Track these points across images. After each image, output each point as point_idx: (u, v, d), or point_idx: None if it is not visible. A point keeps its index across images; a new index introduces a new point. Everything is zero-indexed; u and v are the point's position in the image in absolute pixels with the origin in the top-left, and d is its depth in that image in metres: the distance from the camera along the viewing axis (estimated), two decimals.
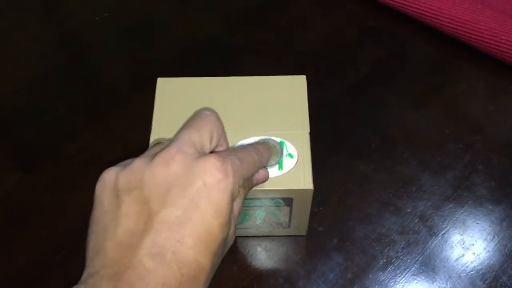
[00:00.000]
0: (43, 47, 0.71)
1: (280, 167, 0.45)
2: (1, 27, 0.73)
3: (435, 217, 0.54)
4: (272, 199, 0.46)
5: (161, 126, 0.47)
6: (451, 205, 0.55)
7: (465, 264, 0.51)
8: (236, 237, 0.52)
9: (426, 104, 0.63)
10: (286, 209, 0.48)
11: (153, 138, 0.47)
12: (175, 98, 0.49)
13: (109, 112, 0.64)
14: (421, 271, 0.51)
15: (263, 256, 0.52)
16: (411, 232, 0.54)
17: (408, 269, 0.51)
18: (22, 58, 0.70)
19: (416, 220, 0.54)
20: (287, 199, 0.46)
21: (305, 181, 0.44)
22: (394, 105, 0.63)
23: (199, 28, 0.72)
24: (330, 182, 0.57)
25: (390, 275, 0.51)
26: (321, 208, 0.55)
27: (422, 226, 0.54)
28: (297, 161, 0.45)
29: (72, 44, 0.72)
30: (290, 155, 0.45)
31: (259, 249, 0.53)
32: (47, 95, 0.66)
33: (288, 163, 0.45)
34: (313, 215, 0.51)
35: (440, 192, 0.56)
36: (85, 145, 0.61)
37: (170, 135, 0.45)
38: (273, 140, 0.46)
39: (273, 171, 0.44)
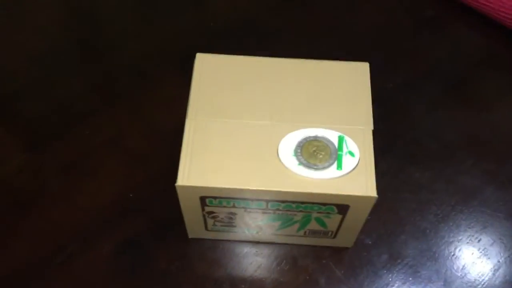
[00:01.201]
0: (59, 17, 0.64)
1: (339, 167, 0.37)
2: None
3: (500, 237, 0.47)
4: (324, 204, 0.38)
5: (198, 107, 0.40)
6: None
7: None
8: (271, 244, 0.45)
9: (491, 107, 0.55)
10: (337, 218, 0.40)
11: (189, 120, 0.39)
12: (216, 76, 0.41)
13: (129, 92, 0.56)
14: None
15: (300, 268, 0.45)
16: (472, 252, 0.46)
17: None
18: (36, 27, 0.62)
19: (479, 239, 0.47)
20: (342, 206, 0.39)
21: (368, 187, 0.37)
22: (454, 106, 0.56)
23: (235, 6, 0.64)
24: (380, 188, 0.49)
25: None
26: (369, 217, 0.47)
27: (485, 246, 0.47)
28: (358, 160, 0.38)
29: (91, 15, 0.64)
30: (351, 153, 0.38)
31: (296, 258, 0.45)
32: (60, 69, 0.58)
33: (349, 163, 0.38)
34: None
35: (506, 209, 0.49)
36: (99, 127, 0.54)
37: (207, 116, 0.39)
38: (326, 139, 0.39)
39: (330, 171, 0.37)
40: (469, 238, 0.47)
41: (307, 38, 0.61)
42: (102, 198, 0.49)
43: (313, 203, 0.38)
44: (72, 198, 0.49)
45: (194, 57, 0.43)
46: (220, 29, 0.62)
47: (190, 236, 0.46)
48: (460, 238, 0.47)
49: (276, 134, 0.39)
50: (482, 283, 0.45)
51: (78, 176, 0.50)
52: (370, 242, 0.47)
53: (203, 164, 0.37)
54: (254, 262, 0.45)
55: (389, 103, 0.55)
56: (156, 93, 0.56)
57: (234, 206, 0.39)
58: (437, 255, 0.46)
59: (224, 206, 0.40)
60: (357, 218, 0.40)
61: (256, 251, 0.46)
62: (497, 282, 0.45)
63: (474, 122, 0.54)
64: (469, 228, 0.48)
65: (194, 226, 0.44)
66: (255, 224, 0.42)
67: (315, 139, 0.39)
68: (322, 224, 0.42)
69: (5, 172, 0.50)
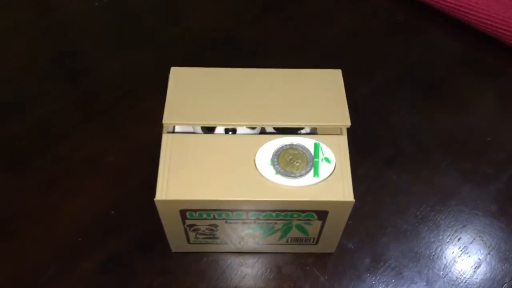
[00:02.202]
0: (34, 35, 0.64)
1: (316, 174, 0.38)
2: None
3: (479, 235, 0.48)
4: (304, 211, 0.39)
5: (173, 115, 0.40)
6: (496, 222, 0.49)
7: None
8: (255, 254, 0.46)
9: (466, 109, 0.56)
10: (317, 224, 0.41)
11: (166, 134, 0.40)
12: (190, 87, 0.42)
13: (107, 109, 0.57)
14: None
15: (285, 276, 0.45)
16: (453, 252, 0.47)
17: None
18: (9, 47, 0.62)
19: (459, 238, 0.48)
20: (321, 213, 0.39)
21: (345, 192, 0.37)
22: (429, 109, 0.57)
23: (213, 20, 0.65)
24: (359, 193, 0.50)
25: None
26: (350, 222, 0.48)
27: (465, 245, 0.47)
28: (335, 167, 0.38)
29: (67, 33, 0.65)
30: (327, 160, 0.38)
31: (281, 267, 0.46)
32: (37, 89, 0.58)
33: (325, 169, 0.38)
34: None
35: (483, 207, 0.50)
36: (79, 145, 0.54)
37: (182, 121, 0.40)
38: (302, 146, 0.39)
39: (307, 179, 0.38)
40: (449, 237, 0.48)
41: (285, 50, 0.62)
42: (83, 216, 0.48)
43: (292, 210, 0.39)
44: (53, 218, 0.48)
45: None
46: (198, 44, 0.62)
47: (173, 250, 0.46)
48: (440, 237, 0.48)
49: (252, 144, 0.39)
50: (464, 281, 0.45)
51: (58, 196, 0.50)
52: (352, 247, 0.47)
53: (181, 178, 0.38)
54: (238, 272, 0.46)
55: (366, 109, 0.56)
56: (134, 110, 0.56)
57: (214, 218, 0.40)
58: (418, 256, 0.47)
59: (205, 219, 0.40)
60: (337, 223, 0.41)
61: (240, 262, 0.46)
62: (478, 279, 0.45)
63: (449, 123, 0.55)
64: (448, 227, 0.48)
65: (176, 240, 0.44)
66: (237, 235, 0.43)
67: (291, 147, 0.39)
68: (303, 231, 0.42)
69: None
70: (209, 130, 0.41)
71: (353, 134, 0.50)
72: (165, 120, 0.39)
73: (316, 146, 0.39)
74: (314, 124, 0.40)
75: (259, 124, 0.40)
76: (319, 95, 0.41)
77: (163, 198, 0.37)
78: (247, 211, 0.39)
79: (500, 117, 0.56)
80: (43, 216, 0.48)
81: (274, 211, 0.39)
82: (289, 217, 0.40)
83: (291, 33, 0.64)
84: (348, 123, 0.40)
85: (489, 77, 0.60)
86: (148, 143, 0.52)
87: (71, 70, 0.60)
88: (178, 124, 0.40)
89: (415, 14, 0.65)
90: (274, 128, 0.42)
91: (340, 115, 0.40)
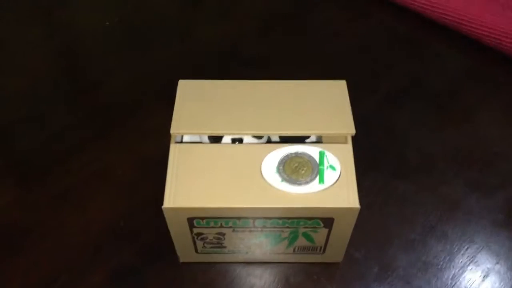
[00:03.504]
0: (46, 54, 0.66)
1: (321, 181, 0.38)
2: (2, 32, 0.68)
3: (487, 244, 0.48)
4: (310, 219, 0.39)
5: (180, 125, 0.41)
6: (504, 232, 0.49)
7: None
8: (263, 264, 0.46)
9: (470, 119, 0.57)
10: (323, 232, 0.41)
11: (174, 144, 0.40)
12: (197, 99, 0.43)
13: (117, 124, 0.58)
14: None
15: (293, 285, 0.45)
16: (461, 261, 0.47)
17: None
18: (25, 65, 0.64)
19: (466, 247, 0.48)
20: (328, 220, 0.39)
21: (350, 199, 0.38)
22: (434, 120, 0.57)
23: (219, 34, 0.66)
24: (366, 203, 0.50)
25: None
26: (357, 232, 0.48)
27: (473, 255, 0.47)
28: (340, 174, 0.39)
29: (79, 51, 0.66)
30: (332, 167, 0.39)
31: (288, 277, 0.46)
32: (49, 105, 0.60)
33: (330, 176, 0.39)
34: (349, 240, 0.44)
35: (491, 216, 0.50)
36: (89, 159, 0.55)
37: (189, 131, 0.41)
38: (307, 154, 0.40)
39: (313, 186, 0.38)
40: (456, 247, 0.48)
41: (290, 63, 0.63)
42: (93, 228, 0.49)
43: (298, 218, 0.39)
44: (63, 230, 0.49)
45: None
46: (205, 58, 0.64)
47: (181, 260, 0.46)
48: (448, 247, 0.48)
49: (258, 153, 0.40)
50: None
51: (69, 208, 0.51)
52: (359, 256, 0.47)
53: (188, 186, 0.38)
54: (246, 283, 0.46)
55: (371, 121, 0.56)
56: (143, 124, 0.57)
57: (221, 226, 0.40)
58: (426, 265, 0.47)
59: (212, 227, 0.40)
60: (343, 231, 0.41)
61: (248, 272, 0.46)
62: (481, 285, 0.45)
63: (454, 134, 0.56)
64: (456, 237, 0.48)
65: (184, 250, 0.44)
66: (244, 244, 0.43)
67: (297, 155, 0.40)
68: (310, 239, 0.42)
69: None
70: (215, 140, 0.42)
71: (359, 146, 0.51)
72: (172, 130, 0.40)
73: (321, 154, 0.40)
74: (320, 132, 0.40)
75: (265, 133, 0.41)
76: (324, 104, 0.42)
77: (171, 205, 0.37)
78: (254, 218, 0.39)
79: (505, 127, 0.57)
80: (54, 228, 0.49)
81: (280, 218, 0.39)
82: (296, 224, 0.40)
83: (296, 47, 0.65)
84: (353, 131, 0.40)
85: (493, 89, 0.60)
86: (157, 156, 0.52)
87: (83, 86, 0.62)
88: (185, 133, 0.41)
89: (418, 28, 0.66)
90: (280, 138, 0.43)
91: (345, 124, 0.41)
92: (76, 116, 0.59)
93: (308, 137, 0.43)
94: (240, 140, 0.42)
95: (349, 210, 0.38)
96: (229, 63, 0.63)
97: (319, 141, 0.43)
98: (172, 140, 0.41)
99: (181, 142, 0.42)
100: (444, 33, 0.65)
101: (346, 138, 0.41)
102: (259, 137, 0.42)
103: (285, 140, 0.42)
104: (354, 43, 0.65)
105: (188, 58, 0.64)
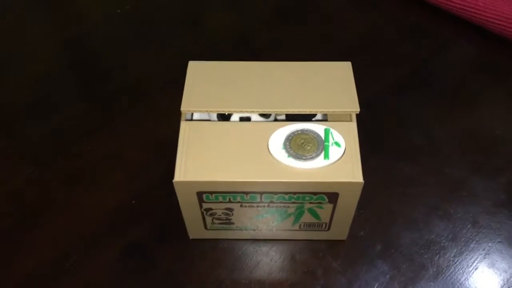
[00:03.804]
0: (60, 41, 0.67)
1: (326, 156, 0.40)
2: (13, 21, 0.70)
3: (489, 224, 0.49)
4: (315, 194, 0.41)
5: (191, 102, 0.43)
6: (506, 211, 0.50)
7: None
8: (270, 241, 0.47)
9: (474, 104, 0.58)
10: (328, 207, 0.42)
11: (184, 122, 0.42)
12: (207, 78, 0.44)
13: (128, 108, 0.59)
14: (475, 281, 0.46)
15: (298, 262, 0.47)
16: (463, 239, 0.48)
17: (461, 280, 0.46)
18: (39, 52, 0.66)
19: (469, 226, 0.49)
20: (332, 195, 0.41)
21: (355, 173, 0.39)
22: (439, 105, 0.58)
23: (228, 24, 0.68)
24: (372, 184, 0.51)
25: (441, 286, 0.45)
26: (361, 211, 0.50)
27: (475, 233, 0.48)
28: (344, 150, 0.40)
29: (92, 38, 0.68)
30: (337, 144, 0.40)
31: (293, 254, 0.47)
32: (63, 90, 0.61)
33: (335, 152, 0.40)
34: (353, 219, 0.45)
35: (493, 197, 0.51)
36: (101, 142, 0.56)
37: (199, 108, 0.42)
38: (313, 131, 0.41)
39: (318, 161, 0.39)
40: (459, 226, 0.49)
41: (299, 51, 0.64)
42: (106, 206, 0.51)
43: (304, 193, 0.40)
44: (77, 208, 0.51)
45: None
46: (215, 47, 0.65)
47: (191, 237, 0.48)
48: (450, 226, 0.49)
49: (266, 130, 0.41)
50: (475, 266, 0.46)
51: (82, 187, 0.52)
52: (364, 234, 0.48)
53: (198, 161, 0.40)
54: (254, 258, 0.47)
55: (377, 105, 0.58)
56: (154, 108, 0.59)
57: (230, 201, 0.42)
58: (429, 243, 0.48)
59: (221, 202, 0.42)
60: (347, 207, 0.42)
61: (255, 248, 0.48)
62: (488, 265, 0.46)
63: (458, 118, 0.57)
64: (458, 216, 0.49)
65: (194, 226, 0.46)
66: (252, 220, 0.44)
67: (303, 132, 0.41)
68: (316, 215, 0.44)
69: (13, 185, 0.52)
70: (224, 119, 0.43)
71: (365, 129, 0.52)
72: (183, 108, 0.42)
73: (327, 131, 0.41)
74: (325, 110, 0.42)
75: (272, 110, 0.42)
76: (329, 84, 0.44)
77: (181, 179, 0.39)
78: (261, 193, 0.40)
79: (508, 112, 0.58)
80: (67, 207, 0.51)
81: (286, 193, 0.41)
82: (301, 200, 0.41)
83: (305, 36, 0.66)
84: (357, 108, 0.42)
85: (498, 75, 0.61)
86: (166, 138, 0.54)
87: (94, 72, 0.63)
88: (195, 111, 0.43)
89: (425, 16, 0.67)
90: (287, 117, 0.44)
91: (350, 102, 0.42)
92: (88, 101, 0.60)
93: (314, 115, 0.44)
94: (248, 119, 0.43)
95: (353, 184, 0.39)
96: (238, 52, 0.64)
97: (324, 119, 0.44)
98: (183, 117, 0.42)
99: (191, 119, 0.44)
100: (450, 21, 0.66)
101: (351, 116, 0.42)
102: (267, 116, 0.43)
103: (292, 118, 0.43)
104: (363, 32, 0.66)
105: (197, 47, 0.65)
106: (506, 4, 0.60)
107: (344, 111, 0.42)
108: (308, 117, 0.44)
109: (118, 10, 0.69)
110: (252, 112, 0.42)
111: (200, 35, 0.67)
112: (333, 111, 0.42)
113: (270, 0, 0.71)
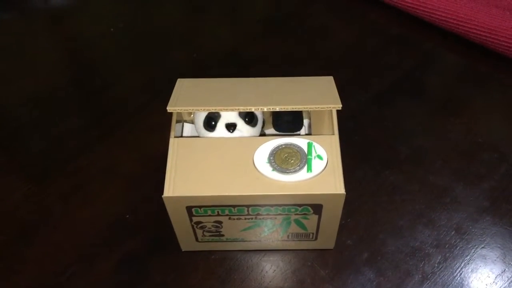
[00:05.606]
0: (55, 59, 0.69)
1: (309, 169, 0.41)
2: (12, 39, 0.72)
3: (472, 230, 0.50)
4: (300, 205, 0.42)
5: (177, 103, 0.44)
6: (488, 217, 0.51)
7: (509, 279, 0.47)
8: (259, 251, 0.49)
9: (456, 113, 0.60)
10: (314, 218, 0.44)
11: (173, 139, 0.44)
12: (194, 87, 0.47)
13: (121, 124, 0.61)
14: (460, 286, 0.47)
15: (287, 272, 0.48)
16: (447, 245, 0.50)
17: (445, 285, 0.47)
18: (34, 70, 0.68)
19: (452, 233, 0.50)
20: (316, 206, 0.42)
21: (337, 185, 0.41)
22: (422, 114, 0.60)
23: (219, 40, 0.70)
24: (357, 193, 0.53)
25: None
26: (349, 220, 0.51)
27: (459, 240, 0.50)
28: (326, 163, 0.42)
29: (85, 56, 0.70)
30: (320, 157, 0.42)
31: (282, 264, 0.49)
32: (59, 108, 0.63)
33: (318, 166, 0.42)
34: (340, 228, 0.47)
35: (476, 204, 0.52)
36: (97, 156, 0.58)
37: (185, 108, 0.44)
38: (296, 145, 0.43)
39: (301, 174, 0.41)
40: (443, 233, 0.50)
41: (287, 64, 0.66)
42: (101, 221, 0.52)
43: (289, 205, 0.42)
44: (73, 223, 0.52)
45: None
46: (206, 62, 0.67)
47: (183, 249, 0.49)
48: (435, 233, 0.50)
49: (251, 145, 0.43)
50: (459, 273, 0.48)
51: (77, 203, 0.54)
52: (351, 243, 0.50)
53: (187, 177, 0.41)
54: (244, 269, 0.49)
55: (362, 116, 0.59)
56: (146, 123, 0.61)
57: (218, 214, 0.43)
58: (414, 250, 0.49)
59: (210, 215, 0.43)
60: (332, 217, 0.44)
61: (246, 259, 0.49)
62: (472, 271, 0.48)
63: (441, 126, 0.58)
64: (442, 223, 0.51)
65: (185, 239, 0.47)
66: (241, 231, 0.46)
67: (286, 146, 0.43)
68: (302, 226, 0.45)
69: (10, 202, 0.54)
70: (210, 127, 0.45)
71: (350, 140, 0.54)
72: (169, 107, 0.43)
73: (309, 145, 0.43)
74: (308, 107, 0.43)
75: (256, 107, 0.43)
76: (312, 89, 0.46)
77: (170, 194, 0.41)
78: (248, 206, 0.42)
79: (491, 120, 0.59)
80: (64, 221, 0.52)
81: (272, 205, 0.42)
82: (287, 211, 0.43)
83: (292, 49, 0.68)
84: (339, 105, 0.43)
85: (478, 83, 0.63)
86: (159, 152, 0.56)
87: (89, 89, 0.65)
88: (181, 110, 0.44)
89: (409, 28, 0.69)
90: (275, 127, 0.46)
91: (332, 100, 0.44)
92: (84, 117, 0.62)
93: (299, 133, 0.46)
94: (234, 126, 0.45)
95: (335, 196, 0.41)
96: (228, 67, 0.66)
97: (309, 133, 0.46)
98: (172, 134, 0.44)
99: (181, 136, 0.46)
100: (434, 33, 0.68)
101: (333, 129, 0.44)
102: (253, 124, 0.45)
103: (280, 129, 0.45)
104: (349, 43, 0.68)
105: (188, 63, 0.67)
106: (487, 16, 0.62)
107: (327, 107, 0.43)
108: (293, 130, 0.46)
109: (112, 29, 0.71)
110: (238, 109, 0.43)
111: (191, 51, 0.69)
112: (315, 107, 0.43)
113: (259, 14, 0.73)
